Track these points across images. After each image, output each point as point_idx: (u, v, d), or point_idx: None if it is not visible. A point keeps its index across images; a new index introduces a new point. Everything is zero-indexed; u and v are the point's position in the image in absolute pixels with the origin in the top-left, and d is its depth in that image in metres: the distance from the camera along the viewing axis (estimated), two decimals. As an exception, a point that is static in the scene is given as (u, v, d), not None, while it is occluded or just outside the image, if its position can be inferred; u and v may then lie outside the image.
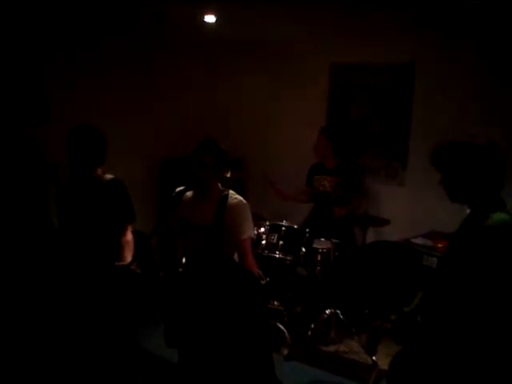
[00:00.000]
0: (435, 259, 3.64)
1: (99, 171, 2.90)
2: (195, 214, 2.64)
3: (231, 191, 2.66)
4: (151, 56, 4.80)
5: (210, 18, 4.16)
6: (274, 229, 3.85)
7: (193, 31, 4.64)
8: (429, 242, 3.84)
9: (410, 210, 4.45)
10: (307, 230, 3.91)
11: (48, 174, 3.38)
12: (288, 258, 3.80)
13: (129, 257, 2.86)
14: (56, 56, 4.02)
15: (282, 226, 3.85)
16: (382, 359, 3.50)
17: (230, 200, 2.59)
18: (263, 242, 3.86)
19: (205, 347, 2.10)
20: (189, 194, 2.72)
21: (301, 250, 3.86)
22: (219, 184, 2.68)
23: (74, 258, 2.84)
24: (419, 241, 3.90)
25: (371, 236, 4.53)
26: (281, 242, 3.81)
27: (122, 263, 2.80)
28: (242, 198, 2.64)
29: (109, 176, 2.92)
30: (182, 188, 2.64)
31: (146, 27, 4.51)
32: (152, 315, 3.86)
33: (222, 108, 5.49)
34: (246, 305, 2.04)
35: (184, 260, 2.88)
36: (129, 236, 2.95)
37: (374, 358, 3.55)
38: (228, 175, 3.45)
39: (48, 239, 3.09)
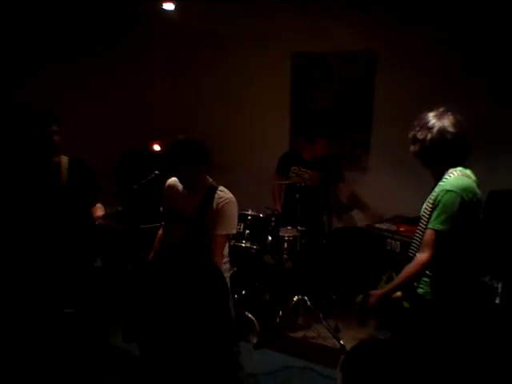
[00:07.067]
0: (398, 243, 3.73)
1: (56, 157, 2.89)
2: (181, 205, 2.65)
3: (221, 187, 2.63)
4: (112, 45, 4.67)
5: (168, 6, 4.10)
6: (239, 218, 3.83)
7: (153, 20, 4.54)
8: (392, 227, 3.92)
9: (375, 195, 4.52)
10: (273, 219, 3.92)
11: None
12: (254, 246, 3.80)
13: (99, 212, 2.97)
14: (18, 50, 3.89)
15: (248, 215, 3.84)
16: (349, 343, 3.56)
17: (216, 195, 2.57)
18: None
19: (166, 340, 2.07)
20: (180, 186, 2.69)
21: (267, 238, 3.87)
22: (209, 178, 2.66)
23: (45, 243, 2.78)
24: (383, 225, 3.98)
25: (338, 222, 4.58)
26: (247, 231, 3.80)
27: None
28: (229, 195, 2.61)
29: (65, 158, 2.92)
30: (172, 179, 2.72)
31: (105, 15, 4.38)
32: (119, 310, 3.80)
33: (183, 98, 5.42)
34: (208, 299, 2.02)
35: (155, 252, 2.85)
36: (98, 204, 3.06)
37: (341, 342, 3.61)
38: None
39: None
